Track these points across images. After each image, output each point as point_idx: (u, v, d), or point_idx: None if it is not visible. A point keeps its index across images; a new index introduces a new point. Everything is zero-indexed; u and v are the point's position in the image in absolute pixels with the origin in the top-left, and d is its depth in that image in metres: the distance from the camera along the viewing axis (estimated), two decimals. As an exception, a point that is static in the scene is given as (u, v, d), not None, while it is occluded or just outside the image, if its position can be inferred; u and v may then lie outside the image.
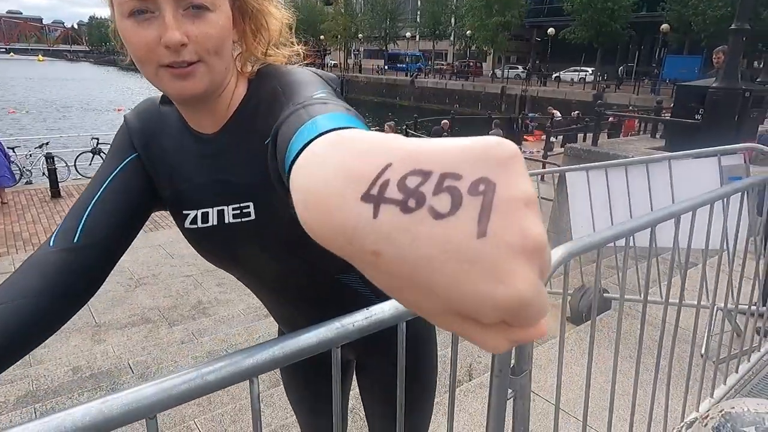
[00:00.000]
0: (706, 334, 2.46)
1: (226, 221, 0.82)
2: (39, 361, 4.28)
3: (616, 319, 2.94)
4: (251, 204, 0.80)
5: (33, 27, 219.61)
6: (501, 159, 0.25)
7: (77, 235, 0.76)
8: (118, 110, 30.77)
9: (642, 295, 3.04)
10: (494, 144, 0.26)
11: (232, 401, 2.97)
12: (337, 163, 0.27)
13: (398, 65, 45.91)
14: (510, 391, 1.03)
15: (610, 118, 12.67)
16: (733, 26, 4.78)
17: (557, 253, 1.08)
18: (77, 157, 11.33)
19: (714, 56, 5.33)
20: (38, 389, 3.58)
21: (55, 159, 9.42)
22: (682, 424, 0.70)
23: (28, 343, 0.68)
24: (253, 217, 0.80)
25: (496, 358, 0.99)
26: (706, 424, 0.65)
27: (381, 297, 0.87)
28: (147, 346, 4.36)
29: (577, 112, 17.62)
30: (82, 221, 0.77)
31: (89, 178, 11.16)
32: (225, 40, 0.70)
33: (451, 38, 44.40)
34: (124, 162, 0.82)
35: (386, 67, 47.26)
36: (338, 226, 0.26)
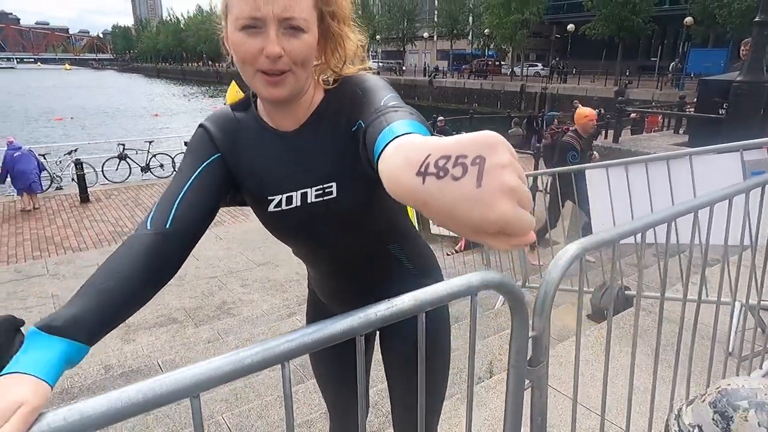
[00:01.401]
0: (731, 330, 2.44)
1: (309, 201, 0.99)
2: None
3: (635, 315, 2.93)
4: (334, 184, 0.97)
5: (60, 37, 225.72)
6: (489, 144, 0.46)
7: (169, 221, 0.88)
8: (155, 116, 31.58)
9: (661, 291, 3.03)
10: (486, 135, 0.47)
11: (258, 398, 3.05)
12: (402, 156, 0.50)
13: (464, 66, 42.21)
14: (527, 381, 1.07)
15: (632, 115, 12.47)
16: (757, 18, 4.69)
17: (571, 249, 1.11)
18: (104, 162, 11.64)
19: (742, 48, 5.23)
20: (72, 386, 3.71)
21: (84, 165, 9.72)
22: (684, 402, 0.73)
23: (120, 317, 0.79)
24: (335, 195, 0.97)
25: (512, 349, 1.02)
26: (704, 400, 0.69)
27: (416, 267, 1.18)
28: (174, 345, 4.48)
29: (598, 109, 17.36)
30: (173, 209, 0.90)
31: (116, 183, 11.44)
32: (311, 55, 0.89)
33: (469, 37, 44.17)
34: (209, 160, 0.98)
35: (451, 69, 43.41)
36: (406, 191, 0.48)
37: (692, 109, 6.55)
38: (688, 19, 26.70)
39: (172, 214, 0.89)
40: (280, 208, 1.00)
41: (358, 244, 1.08)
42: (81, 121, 29.76)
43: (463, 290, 0.87)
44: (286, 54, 0.84)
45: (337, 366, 1.30)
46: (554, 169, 4.70)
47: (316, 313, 1.31)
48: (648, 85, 26.01)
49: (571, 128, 5.48)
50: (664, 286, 1.61)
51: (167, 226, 0.88)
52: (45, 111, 35.97)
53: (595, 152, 5.28)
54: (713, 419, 0.66)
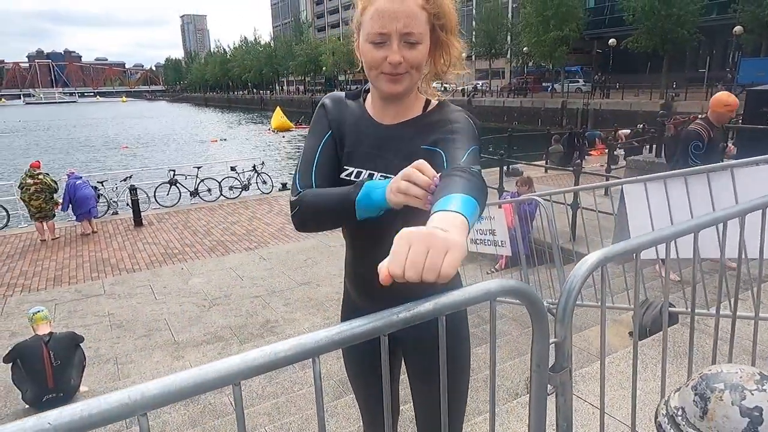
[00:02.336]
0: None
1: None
2: (126, 375, 4.67)
3: (679, 332, 2.85)
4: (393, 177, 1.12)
5: (117, 71, 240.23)
6: (440, 241, 0.73)
7: (313, 182, 1.21)
8: (213, 141, 33.15)
9: (689, 307, 2.93)
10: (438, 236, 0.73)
11: (299, 411, 3.14)
12: (424, 230, 0.75)
13: (542, 84, 40.22)
14: (550, 387, 1.10)
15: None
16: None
17: (592, 258, 1.15)
18: (156, 188, 12.25)
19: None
20: (127, 399, 3.90)
21: (137, 190, 10.28)
22: (674, 390, 0.75)
23: None
24: None
25: (533, 355, 1.06)
26: (688, 385, 0.72)
27: None
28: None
29: (642, 124, 16.89)
30: (313, 175, 1.22)
31: (167, 207, 12.00)
32: (423, 61, 1.14)
33: (508, 56, 44.06)
34: (325, 138, 1.26)
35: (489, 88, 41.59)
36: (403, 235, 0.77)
37: (740, 120, 6.31)
38: (738, 28, 25.76)
39: (313, 177, 1.21)
40: (348, 178, 1.23)
41: (395, 231, 1.18)
42: (135, 149, 31.41)
43: (481, 296, 0.92)
44: (405, 61, 1.10)
45: (367, 370, 1.40)
46: (592, 185, 4.62)
47: (348, 312, 1.44)
48: (697, 97, 25.12)
49: (700, 116, 4.76)
50: (694, 302, 1.59)
51: (314, 186, 1.19)
52: (106, 140, 38.24)
53: (730, 144, 4.56)
54: (693, 401, 0.70)
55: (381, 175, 1.19)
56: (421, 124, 1.21)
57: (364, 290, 1.33)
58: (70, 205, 9.30)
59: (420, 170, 0.94)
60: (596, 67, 38.44)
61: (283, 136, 34.42)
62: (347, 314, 1.44)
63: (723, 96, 4.39)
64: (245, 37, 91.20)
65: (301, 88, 78.97)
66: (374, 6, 1.09)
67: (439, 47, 1.18)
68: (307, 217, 1.17)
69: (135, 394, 0.63)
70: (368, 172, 1.21)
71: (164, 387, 0.64)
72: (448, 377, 0.95)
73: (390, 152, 1.20)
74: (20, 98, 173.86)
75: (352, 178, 1.22)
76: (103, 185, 11.30)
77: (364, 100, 1.30)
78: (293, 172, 1.26)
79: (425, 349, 1.29)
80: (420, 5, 1.09)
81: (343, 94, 1.33)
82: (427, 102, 1.25)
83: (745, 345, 2.63)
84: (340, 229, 1.31)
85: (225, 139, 34.45)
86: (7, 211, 10.40)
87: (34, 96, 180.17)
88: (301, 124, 39.62)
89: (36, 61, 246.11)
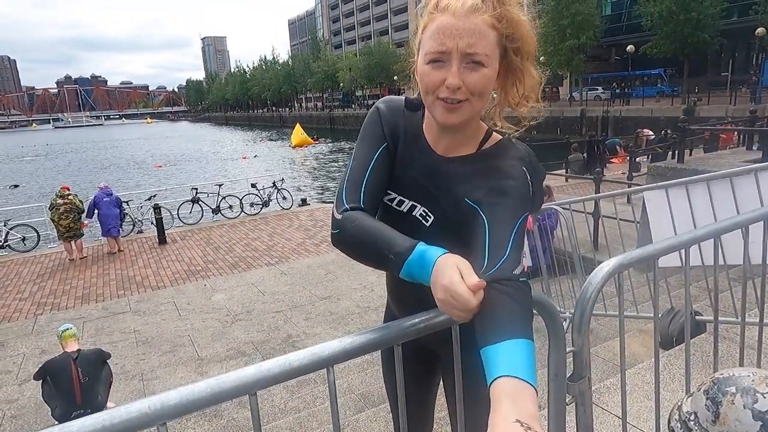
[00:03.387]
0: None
1: (413, 214, 1.12)
2: (152, 391, 4.73)
3: (708, 341, 2.78)
4: (433, 217, 1.10)
5: (141, 94, 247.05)
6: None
7: (362, 200, 1.06)
8: (244, 158, 34.00)
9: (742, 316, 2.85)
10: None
11: (320, 426, 3.13)
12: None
13: (617, 89, 34.84)
14: (569, 397, 1.09)
15: (704, 134, 11.83)
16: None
17: (608, 265, 1.14)
18: (179, 206, 12.49)
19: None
20: (152, 415, 3.95)
21: (161, 209, 10.49)
22: (685, 395, 0.74)
23: None
24: (428, 224, 1.10)
25: (551, 364, 1.06)
26: (700, 390, 0.71)
27: None
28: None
29: (665, 130, 16.63)
30: (362, 193, 1.07)
31: (190, 224, 12.19)
32: (488, 87, 0.99)
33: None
34: (379, 150, 1.12)
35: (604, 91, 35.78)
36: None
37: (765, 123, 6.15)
38: (760, 30, 25.26)
39: (362, 198, 1.06)
40: (391, 204, 1.15)
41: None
42: (168, 168, 32.17)
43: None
44: (465, 85, 0.95)
45: (405, 377, 1.39)
46: (613, 192, 4.56)
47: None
48: (720, 101, 24.64)
49: None
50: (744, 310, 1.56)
51: (361, 204, 1.05)
52: (130, 160, 39.27)
53: None
54: (705, 405, 0.69)
55: (423, 210, 1.11)
56: (473, 167, 1.07)
57: (403, 304, 1.29)
58: (95, 214, 9.54)
59: (462, 273, 0.81)
60: (615, 74, 38.02)
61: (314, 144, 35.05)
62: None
63: None
64: (264, 56, 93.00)
65: (319, 104, 79.99)
66: (436, 22, 0.96)
67: (511, 74, 1.03)
68: (348, 246, 1.03)
69: (155, 403, 0.65)
70: (411, 203, 1.12)
71: (183, 397, 0.66)
72: (472, 399, 0.94)
73: (437, 189, 1.10)
74: (50, 123, 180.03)
75: (393, 205, 1.14)
76: (128, 204, 11.56)
77: (423, 115, 1.15)
78: (340, 182, 1.12)
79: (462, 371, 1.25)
80: (489, 23, 0.94)
81: (402, 100, 1.17)
82: (487, 135, 1.11)
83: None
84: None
85: (257, 156, 35.15)
86: (37, 232, 10.71)
87: (62, 120, 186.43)
88: (318, 140, 40.16)
89: (64, 86, 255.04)
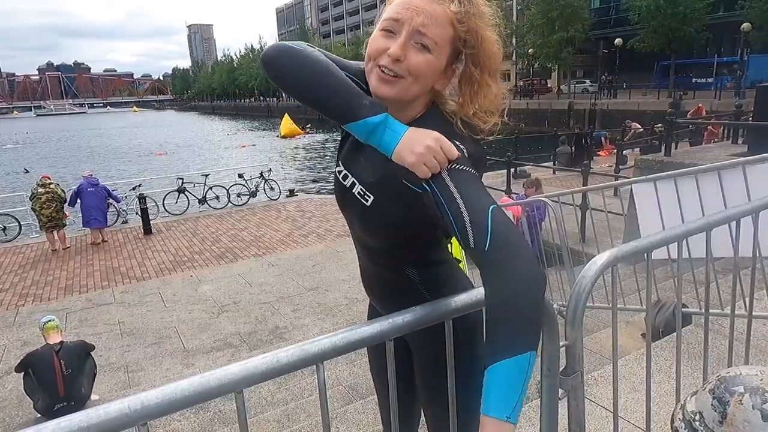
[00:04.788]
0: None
1: (353, 191, 1.10)
2: (137, 383, 4.68)
3: (693, 333, 2.80)
4: (372, 198, 1.05)
5: (125, 82, 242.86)
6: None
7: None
8: (243, 146, 34.21)
9: (702, 307, 2.88)
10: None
11: (308, 417, 3.12)
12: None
13: (694, 79, 30.95)
14: (561, 391, 1.08)
15: (689, 126, 11.96)
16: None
17: (602, 259, 1.12)
18: (165, 196, 12.32)
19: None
20: (137, 408, 3.90)
21: (146, 199, 10.33)
22: (689, 393, 0.73)
23: None
24: (368, 204, 1.06)
25: (543, 359, 1.04)
26: (705, 389, 0.69)
27: (432, 295, 1.09)
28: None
29: (659, 125, 16.73)
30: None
31: (176, 215, 12.04)
32: (426, 75, 0.97)
33: (513, 58, 43.99)
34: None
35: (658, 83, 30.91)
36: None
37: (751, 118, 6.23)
38: (746, 25, 25.54)
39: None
40: (339, 176, 1.14)
41: (377, 252, 1.16)
42: (170, 156, 31.83)
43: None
44: (406, 62, 0.94)
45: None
46: (602, 184, 4.58)
47: (370, 306, 1.39)
48: (706, 96, 24.92)
49: None
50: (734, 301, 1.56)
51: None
52: (111, 149, 38.63)
53: None
54: (712, 404, 0.67)
55: (360, 189, 1.07)
56: None
57: (367, 287, 1.30)
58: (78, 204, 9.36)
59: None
60: (602, 67, 38.23)
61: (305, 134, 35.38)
62: (370, 311, 1.41)
63: None
64: (251, 45, 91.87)
65: (308, 94, 79.23)
66: None
67: (470, 84, 1.02)
68: (301, 63, 0.95)
69: (135, 403, 0.62)
70: (352, 179, 1.10)
71: (165, 396, 0.63)
72: (433, 380, 0.93)
73: (375, 166, 1.05)
74: (31, 110, 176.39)
75: (340, 177, 1.14)
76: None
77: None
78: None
79: (420, 347, 1.22)
80: (448, 19, 0.94)
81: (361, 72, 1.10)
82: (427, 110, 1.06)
83: (761, 345, 2.58)
84: (350, 233, 1.24)
85: (254, 144, 35.46)
86: (18, 222, 10.50)
87: (44, 108, 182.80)
88: (307, 130, 39.87)
89: (46, 73, 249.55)
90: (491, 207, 0.84)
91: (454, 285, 1.14)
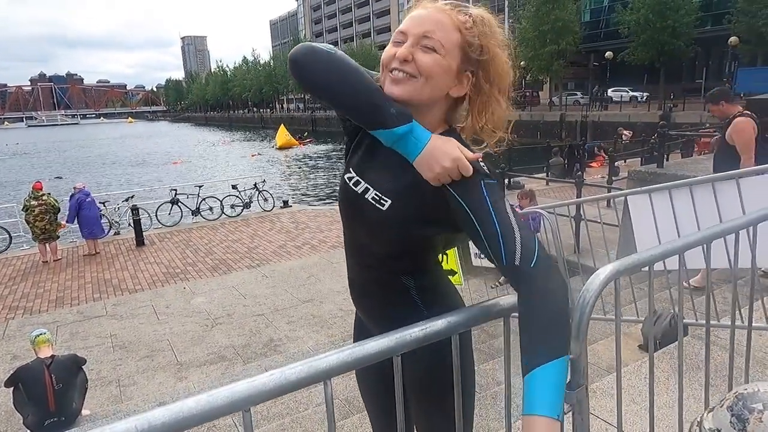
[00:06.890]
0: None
1: (365, 197, 1.09)
2: (129, 397, 4.61)
3: (690, 345, 2.80)
4: (390, 201, 1.05)
5: (118, 93, 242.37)
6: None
7: None
8: (252, 156, 34.62)
9: (698, 318, 2.89)
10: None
11: (305, 433, 3.08)
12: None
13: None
14: (567, 405, 1.07)
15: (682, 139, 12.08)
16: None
17: (605, 272, 1.12)
18: (158, 207, 12.25)
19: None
20: (130, 423, 3.84)
21: (139, 210, 10.27)
22: (706, 410, 0.73)
23: None
24: (383, 209, 1.05)
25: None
26: (723, 405, 0.69)
27: (428, 307, 1.13)
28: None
29: (642, 134, 16.95)
30: None
31: (169, 226, 11.97)
32: (437, 75, 1.00)
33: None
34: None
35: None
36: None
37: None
38: (733, 39, 25.98)
39: None
40: (349, 183, 1.14)
41: (378, 259, 1.15)
42: (180, 167, 31.91)
43: (494, 313, 0.90)
44: (414, 61, 0.98)
45: (380, 393, 1.35)
46: (596, 196, 4.61)
47: (360, 333, 1.36)
48: (695, 108, 25.25)
49: None
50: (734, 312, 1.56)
51: None
52: (109, 159, 38.48)
53: None
54: (731, 422, 0.67)
55: (376, 194, 1.08)
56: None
57: (356, 297, 1.29)
58: (76, 219, 9.29)
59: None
60: (593, 79, 38.70)
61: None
62: (359, 334, 1.38)
63: None
64: (245, 57, 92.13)
65: (301, 105, 79.58)
66: (409, 13, 1.03)
67: (478, 98, 1.06)
68: (333, 66, 0.99)
69: (142, 423, 0.60)
70: (365, 185, 1.10)
71: (172, 415, 0.62)
72: (442, 392, 0.92)
73: (393, 173, 1.07)
74: (23, 121, 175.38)
75: (350, 184, 1.14)
76: (105, 206, 11.29)
77: None
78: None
79: (416, 359, 1.19)
80: (455, 24, 1.00)
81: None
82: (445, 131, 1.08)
83: (758, 357, 2.58)
84: (343, 243, 1.25)
85: (260, 154, 36.00)
86: (9, 234, 10.39)
87: (36, 119, 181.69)
88: (303, 141, 39.93)
89: (38, 83, 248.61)
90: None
91: (441, 291, 1.20)
